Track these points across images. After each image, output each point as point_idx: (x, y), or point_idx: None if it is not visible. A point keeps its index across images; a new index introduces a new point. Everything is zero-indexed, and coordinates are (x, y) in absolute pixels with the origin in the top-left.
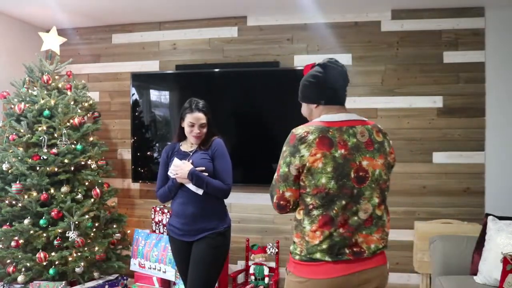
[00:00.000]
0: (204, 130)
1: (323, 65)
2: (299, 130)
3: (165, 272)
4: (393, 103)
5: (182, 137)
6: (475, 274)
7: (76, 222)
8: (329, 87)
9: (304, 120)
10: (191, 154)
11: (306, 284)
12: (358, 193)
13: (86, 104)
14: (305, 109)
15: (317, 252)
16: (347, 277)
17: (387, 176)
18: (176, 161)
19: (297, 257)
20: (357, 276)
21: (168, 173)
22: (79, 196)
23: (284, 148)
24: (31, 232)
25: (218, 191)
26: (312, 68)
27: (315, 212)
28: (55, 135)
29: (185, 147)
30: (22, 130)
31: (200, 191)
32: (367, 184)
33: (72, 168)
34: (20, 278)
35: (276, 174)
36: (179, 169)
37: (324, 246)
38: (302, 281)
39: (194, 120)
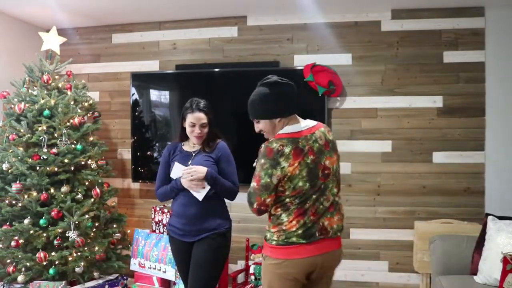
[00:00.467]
0: (205, 130)
1: (266, 83)
2: (274, 144)
3: (165, 272)
4: (393, 103)
5: (184, 137)
6: (475, 274)
7: (76, 222)
8: (286, 99)
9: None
10: (193, 154)
11: (284, 264)
12: (324, 187)
13: (86, 104)
14: (267, 125)
15: (293, 237)
16: (315, 257)
17: (339, 167)
18: (177, 165)
19: (274, 242)
20: (321, 256)
21: (171, 175)
22: (79, 196)
23: (262, 161)
24: (31, 232)
25: (230, 193)
26: (312, 68)
27: (292, 207)
28: (55, 135)
29: (187, 147)
30: (22, 130)
31: (200, 197)
32: (330, 179)
33: (72, 168)
34: (20, 278)
35: (255, 184)
36: (194, 170)
37: (300, 231)
38: (279, 262)
39: (195, 120)
